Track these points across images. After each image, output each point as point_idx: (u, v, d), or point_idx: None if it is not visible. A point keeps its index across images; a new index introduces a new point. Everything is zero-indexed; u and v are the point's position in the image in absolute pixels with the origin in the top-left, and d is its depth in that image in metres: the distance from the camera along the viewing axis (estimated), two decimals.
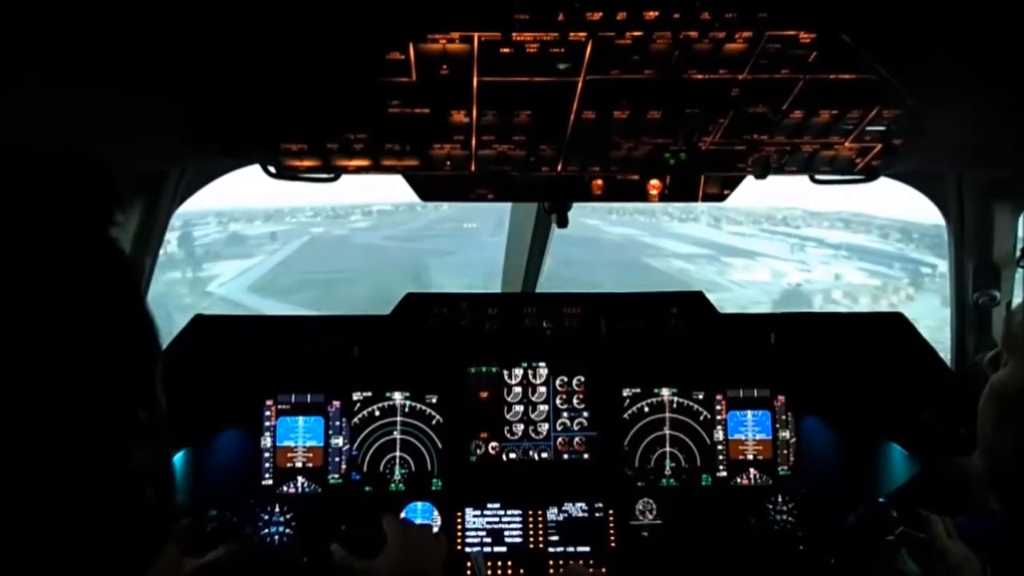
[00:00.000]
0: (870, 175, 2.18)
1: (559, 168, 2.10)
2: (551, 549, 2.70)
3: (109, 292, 0.85)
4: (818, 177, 2.23)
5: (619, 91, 1.78)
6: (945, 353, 2.87)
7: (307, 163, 1.96)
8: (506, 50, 1.62)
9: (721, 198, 2.31)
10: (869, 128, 1.93)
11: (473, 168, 2.06)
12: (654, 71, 1.71)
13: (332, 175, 2.06)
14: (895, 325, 2.80)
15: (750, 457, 2.81)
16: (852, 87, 1.78)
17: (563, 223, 2.46)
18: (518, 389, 2.82)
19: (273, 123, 1.83)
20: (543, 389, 2.83)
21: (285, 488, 2.71)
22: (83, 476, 0.80)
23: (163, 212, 2.17)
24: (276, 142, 1.88)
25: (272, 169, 2.00)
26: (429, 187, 2.20)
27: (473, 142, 1.95)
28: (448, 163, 2.03)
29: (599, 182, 2.21)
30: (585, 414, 2.82)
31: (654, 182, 2.19)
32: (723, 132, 1.95)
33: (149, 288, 2.29)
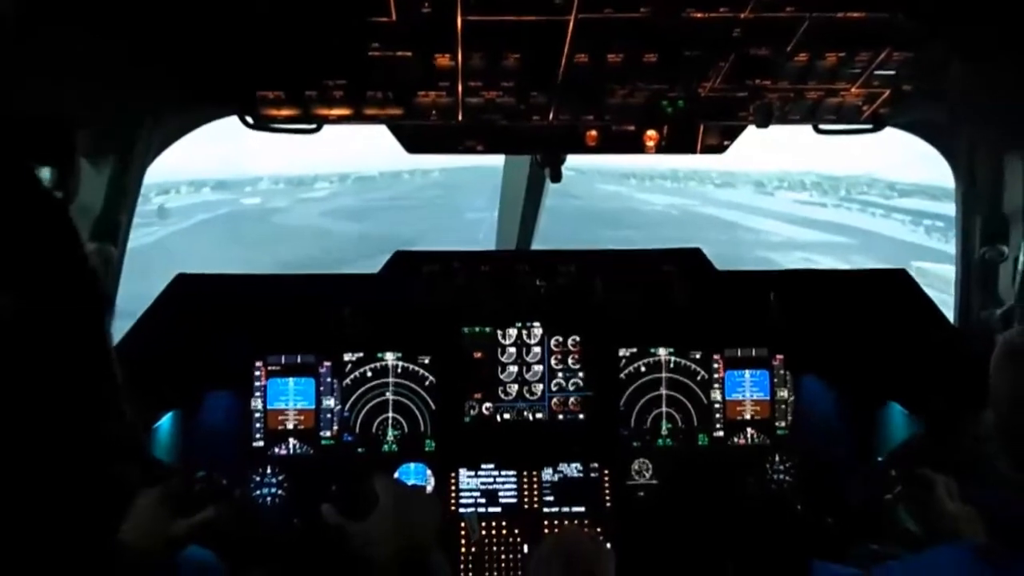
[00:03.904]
0: (877, 124, 2.08)
1: (551, 117, 2.01)
2: (546, 509, 2.69)
3: (33, 234, 0.77)
4: (822, 127, 2.13)
5: (613, 31, 1.67)
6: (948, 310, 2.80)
7: (285, 112, 1.87)
8: None
9: (721, 149, 2.21)
10: (878, 72, 1.83)
11: (460, 117, 1.96)
12: (650, 9, 1.60)
13: (313, 126, 1.97)
14: (898, 282, 2.74)
15: (748, 417, 2.79)
16: (861, 26, 1.68)
17: (556, 177, 2.38)
18: (512, 349, 2.78)
19: (247, 68, 1.73)
20: (538, 349, 2.79)
21: (276, 450, 2.68)
22: (30, 445, 0.74)
23: (136, 167, 2.08)
24: (251, 89, 1.79)
25: (249, 119, 1.91)
26: (415, 138, 2.11)
27: (459, 88, 1.85)
28: (434, 112, 1.93)
29: (593, 133, 2.12)
30: (580, 374, 2.78)
31: (651, 133, 2.10)
32: (723, 77, 1.85)
33: (126, 248, 2.21)
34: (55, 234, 0.80)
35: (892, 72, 1.83)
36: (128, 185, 2.06)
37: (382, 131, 2.18)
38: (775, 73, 1.82)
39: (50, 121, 0.81)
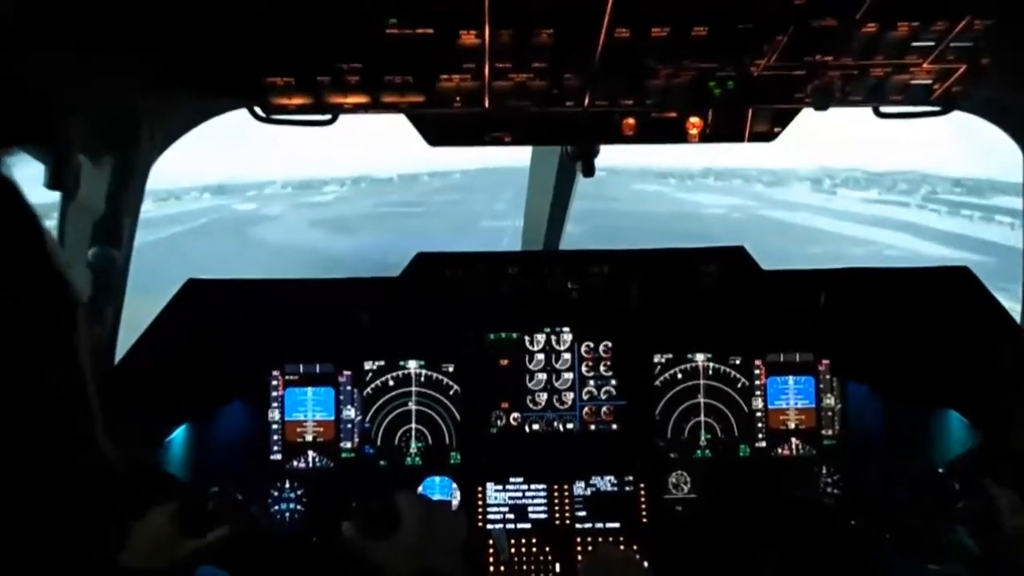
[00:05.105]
0: (946, 106, 1.88)
1: (585, 103, 1.84)
2: (579, 525, 2.56)
3: None
4: (884, 110, 1.94)
5: (659, 1, 1.50)
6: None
7: (296, 101, 1.72)
8: None
9: (771, 137, 2.04)
10: (954, 44, 1.64)
11: (487, 104, 1.81)
12: None
13: (328, 116, 1.83)
14: (959, 280, 2.54)
15: (792, 426, 2.65)
16: None
17: (589, 171, 2.22)
18: (541, 356, 2.65)
19: (253, 52, 1.59)
20: (568, 356, 2.65)
21: (295, 463, 2.57)
22: None
23: (141, 165, 1.96)
24: (259, 76, 1.64)
25: (259, 111, 1.77)
26: (437, 130, 1.96)
27: (486, 71, 1.69)
28: (458, 99, 1.78)
29: (631, 121, 1.96)
30: (613, 382, 2.64)
31: (694, 120, 1.94)
32: (780, 53, 1.66)
33: (132, 252, 2.09)
34: (12, 227, 0.67)
35: (970, 44, 1.64)
36: (131, 185, 1.94)
37: (403, 128, 2.04)
38: (839, 47, 1.64)
39: (26, 97, 0.70)
